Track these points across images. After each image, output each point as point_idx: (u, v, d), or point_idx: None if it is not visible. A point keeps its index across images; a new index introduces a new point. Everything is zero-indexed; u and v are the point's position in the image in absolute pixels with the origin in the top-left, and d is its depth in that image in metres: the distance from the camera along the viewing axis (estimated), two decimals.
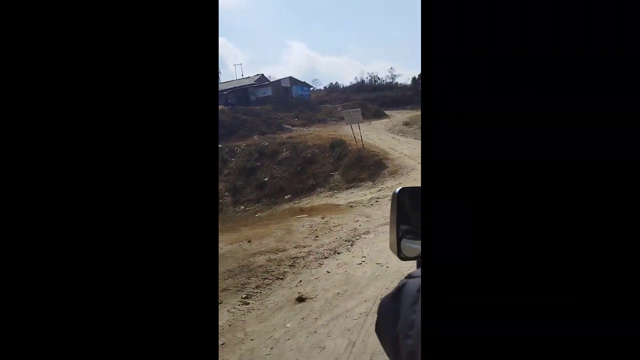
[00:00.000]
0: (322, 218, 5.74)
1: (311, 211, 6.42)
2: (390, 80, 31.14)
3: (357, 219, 5.46)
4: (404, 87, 28.77)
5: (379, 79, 31.41)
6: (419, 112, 21.23)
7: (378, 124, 19.50)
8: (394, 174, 10.20)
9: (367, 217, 5.56)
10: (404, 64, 73.99)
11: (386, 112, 24.43)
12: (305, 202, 10.64)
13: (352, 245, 4.09)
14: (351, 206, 6.66)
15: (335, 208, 6.56)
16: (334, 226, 5.17)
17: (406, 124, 17.22)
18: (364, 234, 4.55)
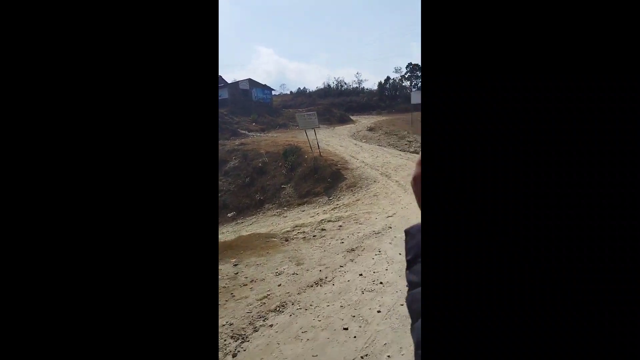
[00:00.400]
0: (235, 266, 3.80)
1: (228, 250, 4.45)
2: (357, 86, 29.92)
3: (281, 269, 3.57)
4: (370, 92, 27.63)
5: (345, 83, 30.12)
6: (384, 117, 20.35)
7: (342, 129, 17.91)
8: (352, 187, 8.50)
9: (299, 263, 3.68)
10: (370, 69, 73.77)
11: (352, 117, 23.11)
12: (248, 223, 8.66)
13: None
14: (286, 239, 4.77)
15: (264, 243, 4.63)
16: (241, 286, 3.24)
17: (370, 129, 15.71)
18: (275, 310, 2.65)
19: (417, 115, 17.45)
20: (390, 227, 4.55)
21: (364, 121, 20.18)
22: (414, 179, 0.42)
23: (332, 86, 29.61)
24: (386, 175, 8.65)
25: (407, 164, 9.63)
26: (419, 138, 13.03)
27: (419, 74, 24.43)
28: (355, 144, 13.08)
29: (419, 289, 0.36)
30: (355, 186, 8.39)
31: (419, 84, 23.32)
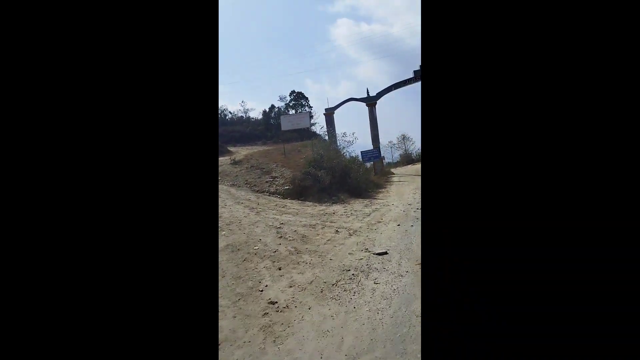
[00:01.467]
0: None
1: None
2: (243, 115, 26.34)
3: None
4: (256, 122, 24.34)
5: (230, 113, 26.23)
6: (267, 148, 16.90)
7: None
8: None
9: None
10: (258, 99, 70.96)
11: (232, 149, 19.32)
12: None
13: None
14: None
15: None
16: None
17: (236, 162, 11.98)
18: None
19: (290, 146, 14.51)
20: None
21: (244, 152, 16.46)
22: None
23: None
24: None
25: (248, 216, 5.96)
26: (286, 172, 9.80)
27: (303, 103, 22.10)
28: None
29: None
30: None
31: (299, 111, 20.78)
